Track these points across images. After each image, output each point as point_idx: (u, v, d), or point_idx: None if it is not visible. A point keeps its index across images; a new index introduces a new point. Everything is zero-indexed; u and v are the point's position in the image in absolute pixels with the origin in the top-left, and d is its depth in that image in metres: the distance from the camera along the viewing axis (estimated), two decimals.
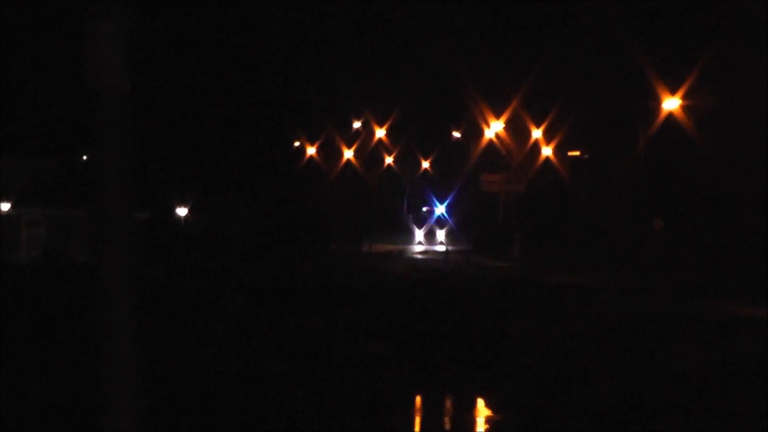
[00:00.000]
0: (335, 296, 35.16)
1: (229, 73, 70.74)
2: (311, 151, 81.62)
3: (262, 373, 19.68)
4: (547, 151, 66.21)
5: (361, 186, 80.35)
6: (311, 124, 79.62)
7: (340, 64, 74.67)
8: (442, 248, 74.84)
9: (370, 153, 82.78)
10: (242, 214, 67.18)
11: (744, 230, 47.50)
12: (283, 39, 71.57)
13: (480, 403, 17.68)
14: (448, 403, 18.10)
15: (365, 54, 74.85)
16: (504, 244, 68.53)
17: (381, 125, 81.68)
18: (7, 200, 59.89)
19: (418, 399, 18.06)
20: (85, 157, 63.19)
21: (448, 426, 16.45)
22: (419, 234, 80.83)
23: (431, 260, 64.53)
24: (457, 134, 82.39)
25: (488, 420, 16.45)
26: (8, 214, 59.71)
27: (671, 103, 51.02)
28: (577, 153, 65.22)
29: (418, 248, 76.35)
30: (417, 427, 16.18)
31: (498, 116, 69.26)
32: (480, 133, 72.98)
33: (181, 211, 66.39)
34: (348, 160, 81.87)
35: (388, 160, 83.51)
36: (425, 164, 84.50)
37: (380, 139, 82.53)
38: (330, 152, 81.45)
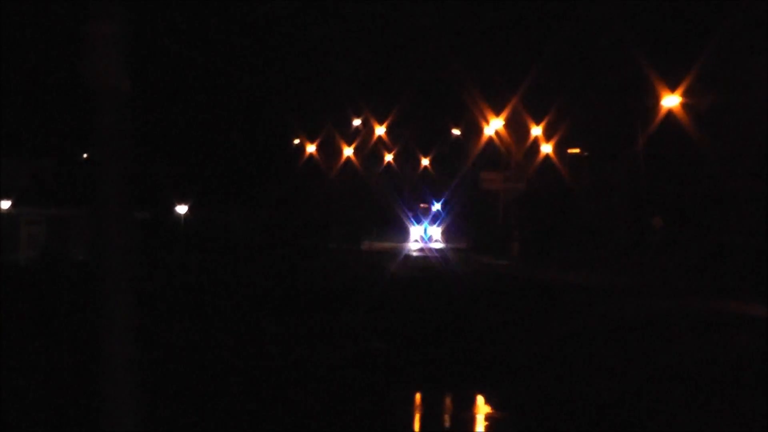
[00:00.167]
0: (334, 295, 35.17)
1: (228, 72, 70.71)
2: (311, 149, 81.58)
3: (262, 372, 19.68)
4: (546, 148, 66.16)
5: (360, 184, 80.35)
6: (311, 123, 79.58)
7: (340, 62, 74.65)
8: (438, 246, 74.86)
9: (369, 151, 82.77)
10: (242, 212, 67.21)
11: (744, 228, 47.47)
12: (283, 37, 71.52)
13: (480, 401, 17.69)
14: (448, 402, 18.10)
15: (365, 51, 74.83)
16: (504, 242, 68.55)
17: (381, 123, 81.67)
18: (6, 199, 59.89)
19: (417, 397, 18.07)
20: (85, 156, 63.21)
21: (447, 424, 16.45)
22: (416, 232, 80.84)
23: (429, 258, 64.53)
24: (456, 132, 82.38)
25: (488, 418, 16.46)
26: (8, 213, 59.72)
27: (671, 101, 50.98)
28: (577, 150, 65.15)
29: (414, 246, 76.36)
30: (417, 426, 16.17)
31: (497, 114, 69.24)
32: (479, 131, 72.97)
33: (181, 209, 66.38)
34: (348, 158, 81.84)
35: (388, 158, 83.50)
36: (425, 162, 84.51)
37: (380, 137, 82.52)
38: (330, 150, 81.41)
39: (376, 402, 17.15)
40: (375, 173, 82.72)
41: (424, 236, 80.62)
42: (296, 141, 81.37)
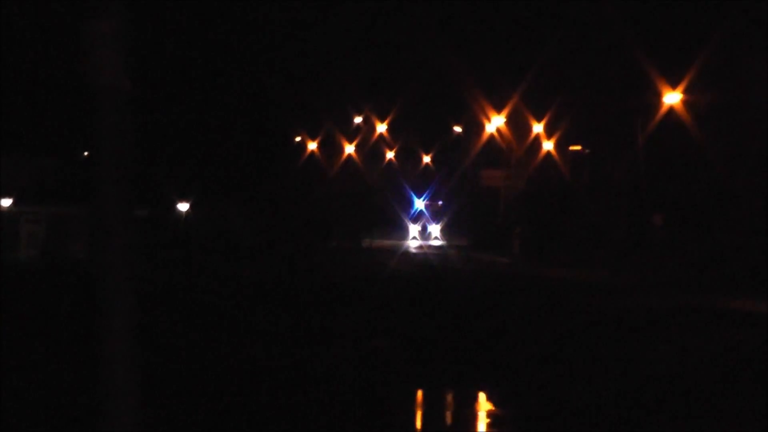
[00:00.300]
0: (335, 293, 35.16)
1: (229, 69, 70.70)
2: (312, 146, 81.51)
3: (263, 371, 19.67)
4: (548, 145, 66.11)
5: (361, 182, 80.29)
6: (312, 120, 79.51)
7: (341, 59, 74.63)
8: (438, 243, 74.93)
9: (370, 148, 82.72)
10: (243, 210, 67.21)
11: (745, 226, 47.44)
12: (284, 34, 71.52)
13: (481, 398, 17.68)
14: (449, 399, 18.09)
15: (366, 49, 74.83)
16: (504, 239, 68.50)
17: (382, 120, 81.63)
18: (7, 198, 59.91)
19: (419, 394, 18.06)
20: (85, 155, 63.17)
21: (449, 421, 16.44)
22: (416, 229, 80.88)
23: (429, 256, 64.52)
24: (458, 129, 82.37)
25: (489, 414, 16.45)
26: (8, 211, 59.74)
27: (672, 98, 50.93)
28: (578, 147, 65.09)
29: (413, 243, 76.40)
30: (418, 423, 16.17)
31: (499, 111, 69.20)
32: (480, 128, 72.92)
33: (183, 207, 66.39)
34: (349, 156, 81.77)
35: (389, 155, 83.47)
36: (426, 159, 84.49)
37: (381, 135, 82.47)
38: (331, 148, 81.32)
39: (377, 400, 17.14)
40: (376, 171, 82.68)
41: (422, 233, 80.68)
42: (297, 139, 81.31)
